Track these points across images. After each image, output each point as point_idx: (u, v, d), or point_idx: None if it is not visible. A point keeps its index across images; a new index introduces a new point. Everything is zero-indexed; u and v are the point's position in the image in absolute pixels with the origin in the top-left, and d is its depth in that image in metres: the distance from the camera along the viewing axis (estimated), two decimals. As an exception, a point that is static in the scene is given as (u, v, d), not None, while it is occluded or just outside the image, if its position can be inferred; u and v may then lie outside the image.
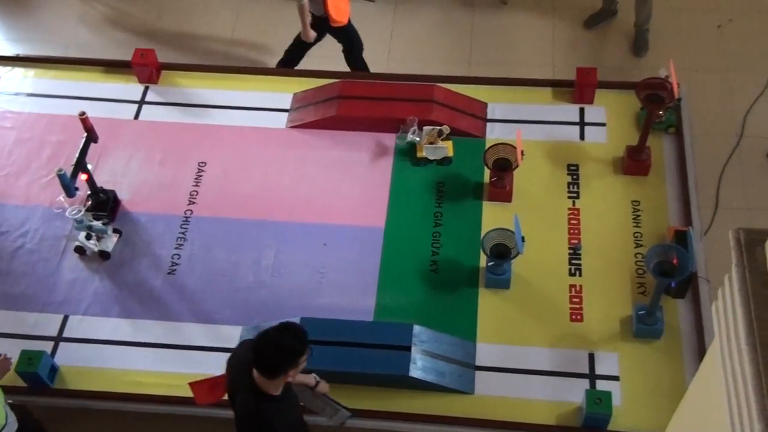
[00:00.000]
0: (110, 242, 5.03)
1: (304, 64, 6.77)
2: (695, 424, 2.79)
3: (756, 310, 2.15)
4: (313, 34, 6.11)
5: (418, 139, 5.24)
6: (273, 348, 3.50)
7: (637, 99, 5.01)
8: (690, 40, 6.82)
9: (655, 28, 6.79)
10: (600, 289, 4.76)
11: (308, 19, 5.98)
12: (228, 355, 4.26)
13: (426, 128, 5.27)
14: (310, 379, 4.06)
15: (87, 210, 5.00)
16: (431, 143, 5.23)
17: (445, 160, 5.27)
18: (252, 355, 3.54)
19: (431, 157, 5.26)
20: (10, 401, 4.31)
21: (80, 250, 5.02)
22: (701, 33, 6.87)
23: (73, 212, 4.87)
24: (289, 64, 6.47)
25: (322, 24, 6.07)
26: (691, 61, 6.56)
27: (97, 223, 4.96)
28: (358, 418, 4.47)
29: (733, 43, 6.81)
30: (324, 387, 4.11)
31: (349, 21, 6.16)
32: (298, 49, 6.39)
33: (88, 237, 4.99)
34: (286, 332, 3.53)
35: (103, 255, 5.00)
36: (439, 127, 5.25)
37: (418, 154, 5.28)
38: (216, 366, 4.59)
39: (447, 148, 5.25)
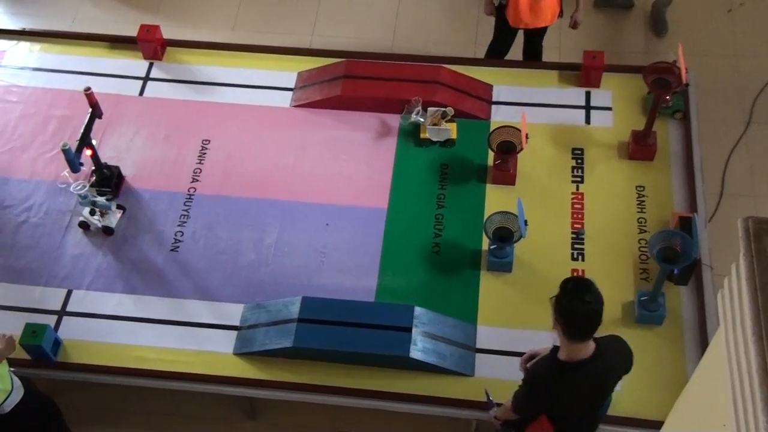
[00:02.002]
0: (114, 218, 5.03)
1: (311, 42, 6.73)
2: (697, 413, 2.79)
3: (763, 300, 2.14)
4: (490, 9, 5.72)
5: (422, 119, 5.22)
6: (596, 311, 3.54)
7: (644, 83, 4.98)
8: (700, 25, 6.77)
9: (665, 12, 6.75)
10: (602, 275, 4.73)
11: None
12: (230, 332, 4.26)
13: (430, 109, 5.25)
14: None
15: (91, 185, 5.00)
16: (435, 125, 5.21)
17: (448, 142, 5.25)
18: (582, 326, 3.56)
19: (434, 139, 5.25)
20: (12, 369, 4.32)
21: (84, 226, 5.02)
22: (711, 17, 6.81)
23: (78, 187, 4.87)
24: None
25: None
26: (700, 46, 6.51)
27: (101, 199, 4.96)
28: (358, 397, 4.50)
29: (744, 28, 6.75)
30: None
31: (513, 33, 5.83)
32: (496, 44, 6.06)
33: (92, 212, 4.99)
34: (587, 291, 3.57)
35: (107, 231, 5.00)
36: (443, 109, 5.23)
37: (422, 135, 5.26)
38: (217, 343, 4.63)
39: (450, 130, 5.23)
